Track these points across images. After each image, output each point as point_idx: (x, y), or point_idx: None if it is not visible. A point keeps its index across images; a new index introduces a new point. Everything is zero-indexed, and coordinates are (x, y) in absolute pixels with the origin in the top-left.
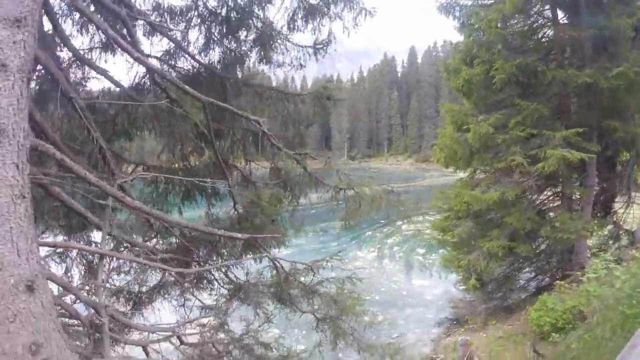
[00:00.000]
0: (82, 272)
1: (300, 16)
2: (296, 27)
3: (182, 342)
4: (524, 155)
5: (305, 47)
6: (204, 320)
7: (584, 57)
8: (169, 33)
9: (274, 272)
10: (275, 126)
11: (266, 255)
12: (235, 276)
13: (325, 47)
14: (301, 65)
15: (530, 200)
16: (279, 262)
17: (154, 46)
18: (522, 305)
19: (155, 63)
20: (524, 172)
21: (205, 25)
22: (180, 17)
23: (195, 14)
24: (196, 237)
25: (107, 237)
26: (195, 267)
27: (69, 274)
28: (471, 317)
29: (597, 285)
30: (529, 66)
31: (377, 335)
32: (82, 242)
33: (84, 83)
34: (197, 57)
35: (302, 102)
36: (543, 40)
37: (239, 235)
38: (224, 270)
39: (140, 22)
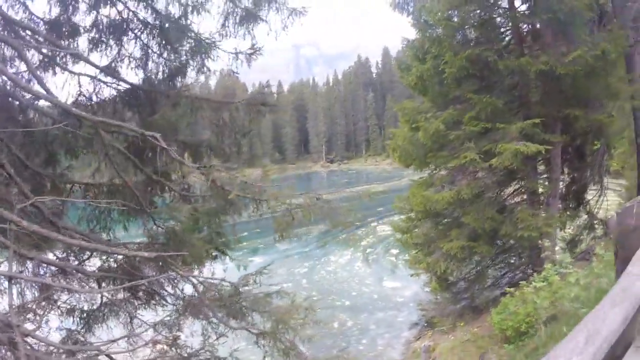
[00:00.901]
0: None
1: (232, 22)
2: (228, 33)
3: None
4: (477, 151)
5: (238, 53)
6: (158, 337)
7: (543, 45)
8: (87, 58)
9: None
10: (211, 137)
11: (180, 274)
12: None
13: (255, 53)
14: (233, 72)
15: (490, 197)
16: (196, 279)
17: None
18: (491, 304)
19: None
20: (484, 169)
21: (142, 39)
22: (117, 33)
23: (132, 27)
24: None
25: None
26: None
27: None
28: (440, 320)
29: (548, 292)
30: (480, 58)
31: (347, 342)
32: None
33: None
34: (136, 70)
35: (236, 110)
36: (502, 30)
37: (146, 254)
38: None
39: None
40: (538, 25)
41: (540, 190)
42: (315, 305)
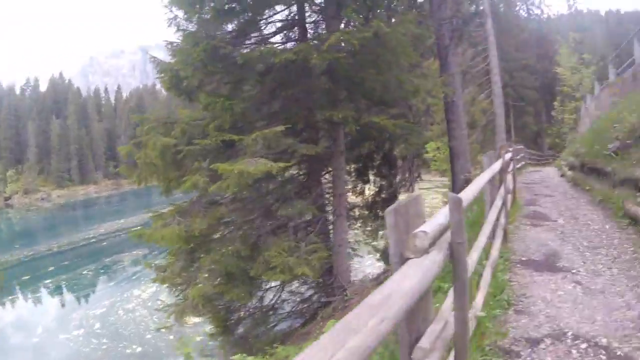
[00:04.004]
0: None
1: None
2: None
3: None
4: (208, 172)
5: None
6: None
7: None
8: None
9: None
10: None
11: None
12: None
13: None
14: None
15: (239, 230)
16: None
17: None
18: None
19: None
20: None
21: None
22: None
23: None
24: None
25: None
26: None
27: None
28: None
29: None
30: (217, 51)
31: None
32: None
33: None
34: None
35: None
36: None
37: None
38: None
39: None
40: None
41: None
42: None
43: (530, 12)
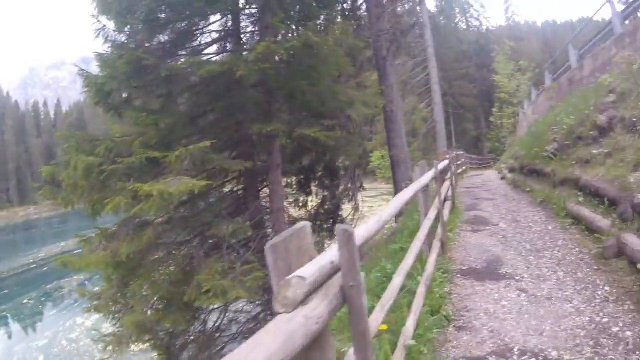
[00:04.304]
0: None
1: None
2: None
3: None
4: (133, 193)
5: None
6: None
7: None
8: None
9: None
10: None
11: None
12: None
13: None
14: None
15: (170, 254)
16: None
17: None
18: None
19: None
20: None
21: None
22: None
23: None
24: None
25: None
26: None
27: None
28: None
29: None
30: (140, 63)
31: None
32: None
33: None
34: None
35: None
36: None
37: None
38: None
39: None
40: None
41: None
42: None
43: (470, 24)
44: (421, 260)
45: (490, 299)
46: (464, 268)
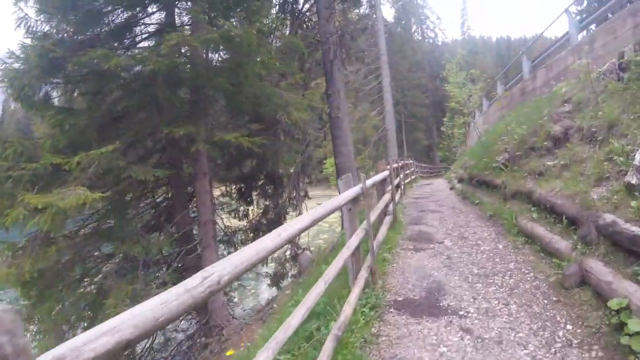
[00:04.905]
0: None
1: None
2: None
3: None
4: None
5: None
6: None
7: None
8: None
9: None
10: None
11: None
12: None
13: None
14: None
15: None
16: None
17: None
18: None
19: None
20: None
21: None
22: None
23: None
24: None
25: None
26: None
27: None
28: None
29: None
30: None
31: None
32: None
33: None
34: None
35: None
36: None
37: None
38: None
39: None
40: None
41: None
42: None
43: (425, 34)
44: (340, 297)
45: (426, 344)
46: (399, 299)
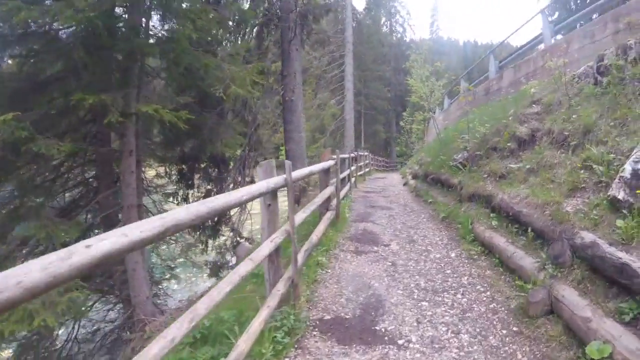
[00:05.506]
0: None
1: None
2: None
3: None
4: None
5: None
6: None
7: None
8: None
9: None
10: None
11: None
12: None
13: None
14: None
15: None
16: None
17: None
18: None
19: None
20: None
21: None
22: None
23: None
24: None
25: None
26: None
27: None
28: None
29: None
30: None
31: None
32: None
33: None
34: None
35: None
36: None
37: None
38: None
39: None
40: None
41: None
42: None
43: (394, 28)
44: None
45: None
46: (328, 317)
